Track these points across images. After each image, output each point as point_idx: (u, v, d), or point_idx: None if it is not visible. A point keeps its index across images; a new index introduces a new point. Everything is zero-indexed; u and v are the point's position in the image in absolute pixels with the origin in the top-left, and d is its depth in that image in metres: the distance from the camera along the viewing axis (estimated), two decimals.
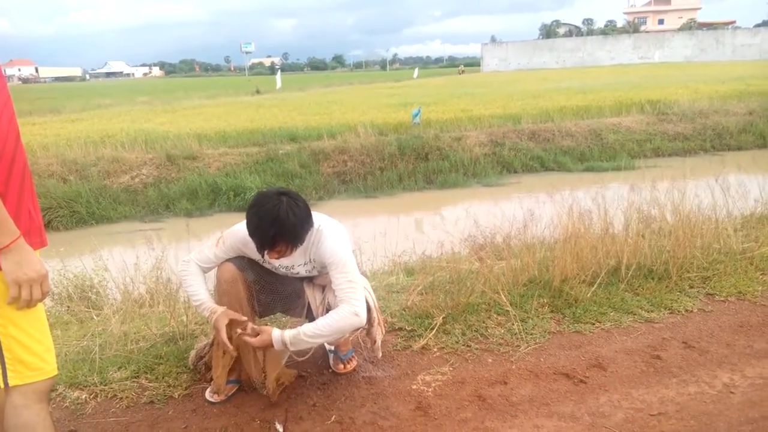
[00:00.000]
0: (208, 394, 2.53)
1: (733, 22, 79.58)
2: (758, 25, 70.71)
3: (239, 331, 2.34)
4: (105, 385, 2.64)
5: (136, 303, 3.75)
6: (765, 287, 3.61)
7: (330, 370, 2.76)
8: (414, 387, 2.62)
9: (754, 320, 3.20)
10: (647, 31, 73.67)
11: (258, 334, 2.31)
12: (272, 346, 2.29)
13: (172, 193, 11.23)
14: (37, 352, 1.62)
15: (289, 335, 2.26)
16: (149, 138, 13.43)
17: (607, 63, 55.69)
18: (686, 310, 3.34)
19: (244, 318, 2.37)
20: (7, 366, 1.57)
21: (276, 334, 2.27)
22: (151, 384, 2.66)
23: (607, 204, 4.21)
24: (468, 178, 12.57)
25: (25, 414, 1.61)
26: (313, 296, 2.61)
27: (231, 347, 2.35)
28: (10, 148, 1.56)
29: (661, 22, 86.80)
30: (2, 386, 1.58)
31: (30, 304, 1.56)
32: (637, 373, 2.69)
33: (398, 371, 2.76)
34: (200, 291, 2.41)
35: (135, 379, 2.69)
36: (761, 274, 3.80)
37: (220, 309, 2.36)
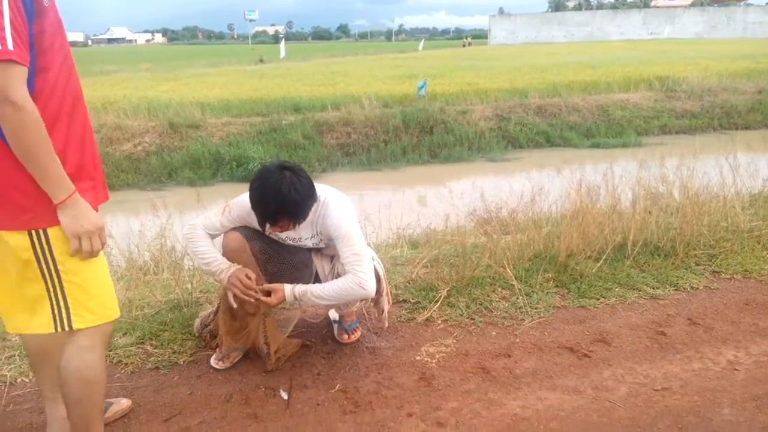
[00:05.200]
0: (213, 361, 2.55)
1: None
2: None
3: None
4: (110, 351, 2.65)
5: (141, 270, 3.75)
6: None
7: (334, 340, 2.77)
8: (418, 358, 2.63)
9: (759, 298, 3.19)
10: (657, 7, 72.42)
11: (270, 294, 2.34)
12: (285, 300, 2.34)
13: (174, 161, 11.18)
14: (97, 298, 1.72)
15: (299, 290, 2.32)
16: (152, 106, 13.32)
17: (616, 38, 54.88)
18: (692, 287, 3.33)
19: (254, 276, 2.36)
20: (71, 311, 1.68)
21: (288, 288, 2.33)
22: (156, 350, 2.67)
23: (615, 180, 4.17)
24: (473, 153, 12.49)
25: (88, 355, 1.73)
26: (321, 266, 2.60)
27: (253, 297, 2.34)
28: (67, 105, 1.63)
29: None
30: (67, 329, 1.69)
31: (92, 254, 1.66)
32: (641, 348, 2.69)
33: (402, 342, 2.77)
34: (211, 250, 2.39)
35: (140, 345, 2.70)
36: None
37: (234, 266, 2.35)
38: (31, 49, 1.50)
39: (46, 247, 1.62)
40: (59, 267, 1.65)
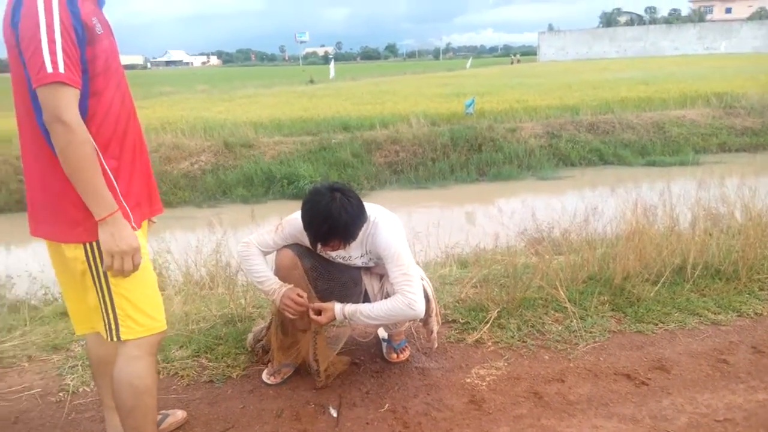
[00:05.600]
0: (265, 376, 2.59)
1: None
2: None
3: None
4: (167, 363, 2.74)
5: (197, 285, 3.86)
6: None
7: (383, 359, 2.77)
8: (468, 380, 2.60)
9: None
10: (713, 21, 70.12)
11: (321, 312, 2.37)
12: (335, 319, 2.37)
13: (229, 179, 11.51)
14: (145, 310, 1.78)
15: (349, 309, 2.35)
16: (208, 126, 13.77)
17: (670, 53, 53.42)
18: (756, 314, 3.17)
19: (305, 295, 2.41)
20: (119, 322, 1.75)
21: (338, 307, 2.37)
22: (210, 364, 2.74)
23: (673, 200, 4.05)
24: (522, 171, 12.32)
25: (138, 365, 1.80)
26: (370, 284, 2.62)
27: (305, 302, 2.38)
28: (121, 127, 1.72)
29: (728, 10, 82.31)
30: (116, 339, 1.76)
31: (122, 273, 1.70)
32: (702, 376, 2.58)
33: (451, 364, 2.75)
34: (264, 269, 2.45)
35: (195, 358, 2.78)
36: None
37: (286, 286, 2.40)
38: (84, 73, 1.60)
39: (99, 259, 1.69)
40: (110, 279, 1.72)
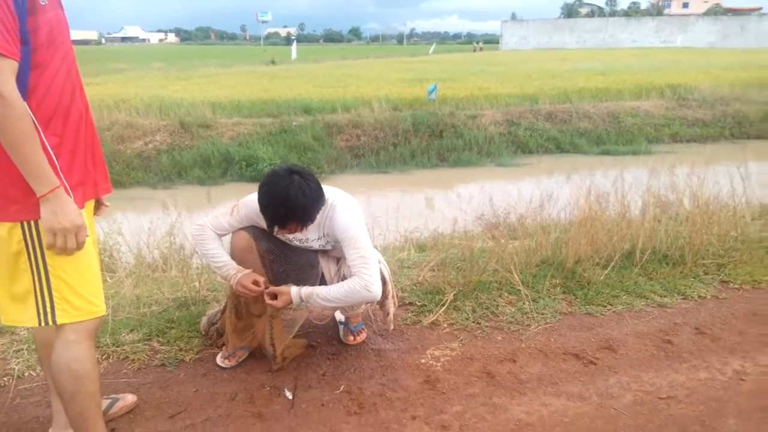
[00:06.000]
0: (219, 359, 2.56)
1: (760, 8, 77.49)
2: None
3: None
4: (117, 347, 2.67)
5: (149, 267, 3.77)
6: None
7: (339, 341, 2.78)
8: (423, 361, 2.63)
9: (767, 309, 3.17)
10: (671, 15, 72.02)
11: (277, 296, 2.35)
12: (291, 302, 2.35)
13: (185, 160, 11.24)
14: (83, 294, 1.71)
15: (305, 292, 2.33)
16: (163, 104, 13.38)
17: (629, 45, 54.61)
18: (700, 297, 3.31)
19: (263, 279, 2.39)
20: (55, 305, 1.68)
21: (294, 290, 2.34)
22: (162, 347, 2.69)
23: (625, 188, 4.16)
24: (482, 157, 12.48)
25: (76, 349, 1.73)
26: (327, 267, 2.61)
27: (261, 289, 2.36)
28: (65, 102, 1.64)
29: (685, 5, 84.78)
30: (51, 324, 1.68)
31: (65, 252, 1.63)
32: (647, 356, 2.68)
33: (407, 345, 2.77)
34: (221, 253, 2.41)
35: (147, 342, 2.72)
36: None
37: (244, 271, 2.37)
38: (25, 45, 1.52)
39: (36, 239, 1.62)
40: (47, 260, 1.64)
